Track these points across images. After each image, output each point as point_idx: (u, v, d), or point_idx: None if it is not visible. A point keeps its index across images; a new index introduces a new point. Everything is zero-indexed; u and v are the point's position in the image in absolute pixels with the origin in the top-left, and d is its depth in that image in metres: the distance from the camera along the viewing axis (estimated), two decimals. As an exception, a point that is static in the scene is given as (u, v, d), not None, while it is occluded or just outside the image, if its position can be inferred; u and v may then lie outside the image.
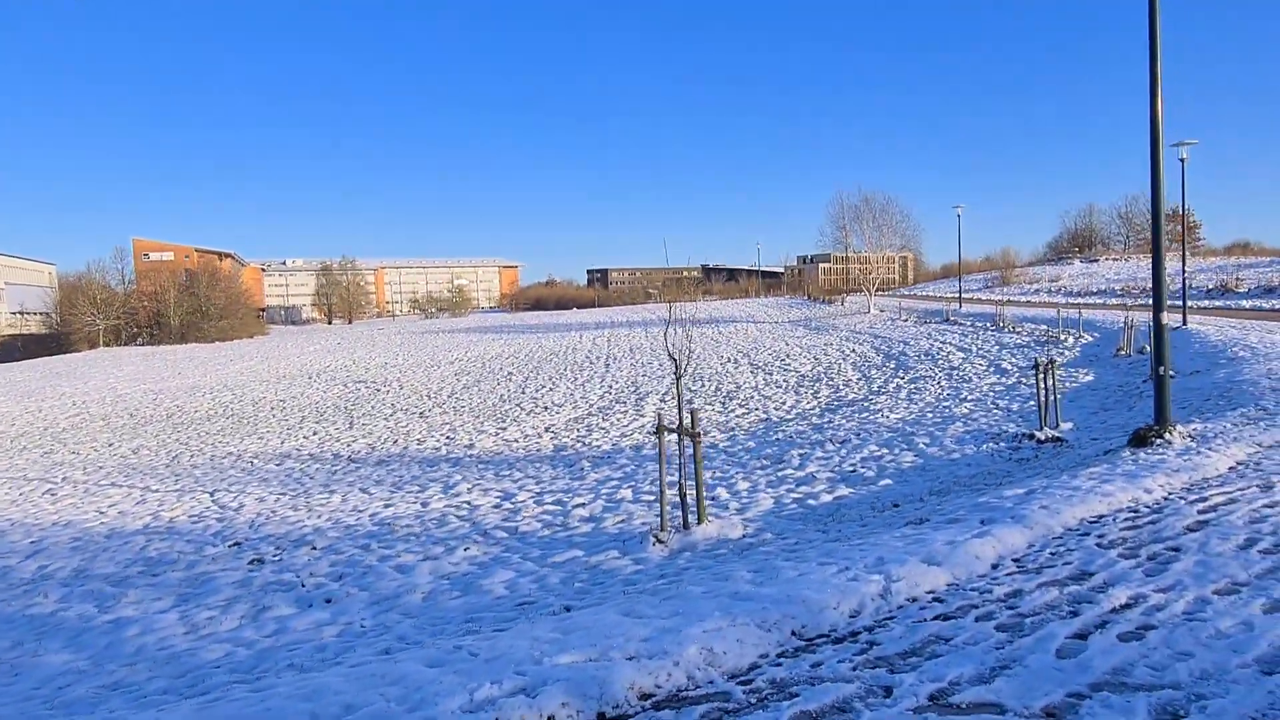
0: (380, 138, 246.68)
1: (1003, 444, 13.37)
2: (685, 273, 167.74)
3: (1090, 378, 22.55)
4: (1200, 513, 6.33)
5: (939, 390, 23.67)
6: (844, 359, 36.18)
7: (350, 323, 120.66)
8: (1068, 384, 21.79)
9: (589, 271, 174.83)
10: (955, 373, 27.60)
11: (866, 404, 23.27)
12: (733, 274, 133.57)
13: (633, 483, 13.47)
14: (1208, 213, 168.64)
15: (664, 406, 26.45)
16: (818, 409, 23.63)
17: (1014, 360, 28.73)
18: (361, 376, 45.74)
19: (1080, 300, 50.79)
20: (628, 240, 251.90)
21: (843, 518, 8.54)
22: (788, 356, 39.00)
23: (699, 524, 8.11)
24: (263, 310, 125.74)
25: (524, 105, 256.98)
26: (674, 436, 8.45)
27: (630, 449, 18.83)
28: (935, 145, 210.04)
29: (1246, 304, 37.28)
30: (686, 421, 8.34)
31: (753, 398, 27.24)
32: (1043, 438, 13.13)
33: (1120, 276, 65.64)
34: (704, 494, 8.26)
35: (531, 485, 14.54)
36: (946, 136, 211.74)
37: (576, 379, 37.37)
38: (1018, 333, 36.29)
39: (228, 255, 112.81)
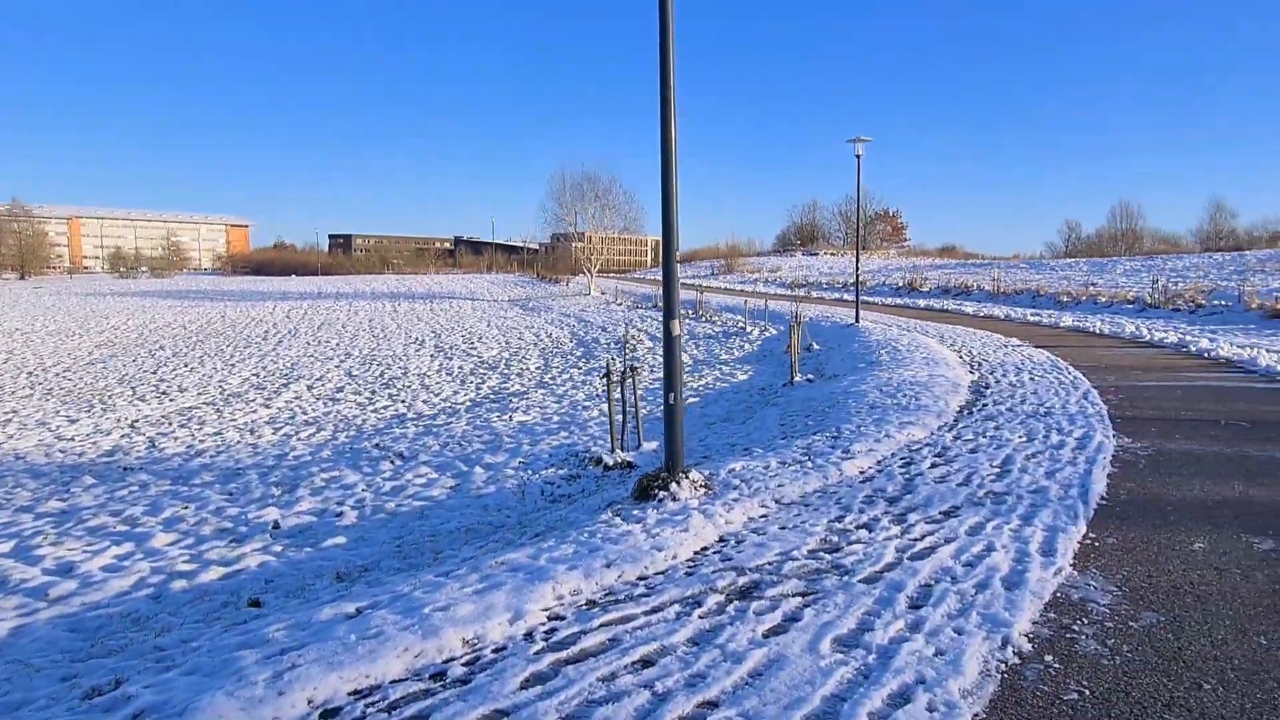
0: (80, 62, 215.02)
1: (563, 471, 10.83)
2: (437, 243, 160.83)
3: (746, 376, 21.16)
4: (520, 688, 3.64)
5: (589, 390, 21.35)
6: (536, 344, 33.69)
7: (24, 278, 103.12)
8: (719, 384, 20.22)
9: (331, 236, 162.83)
10: (633, 364, 25.61)
11: (520, 398, 20.57)
12: (478, 247, 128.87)
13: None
14: (923, 215, 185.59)
15: (306, 397, 22.45)
16: (467, 403, 20.64)
17: (695, 353, 27.36)
18: (-34, 346, 37.22)
19: (772, 291, 51.75)
20: (384, 205, 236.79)
21: (125, 628, 5.35)
22: (480, 339, 35.92)
23: None
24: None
25: (270, 59, 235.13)
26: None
27: (181, 457, 14.66)
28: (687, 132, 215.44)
29: (923, 303, 38.81)
30: None
31: (411, 386, 23.85)
32: (611, 463, 10.70)
33: (833, 270, 68.65)
34: None
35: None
36: (707, 122, 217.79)
37: (232, 358, 32.10)
38: (713, 322, 35.49)
39: None
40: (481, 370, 27.02)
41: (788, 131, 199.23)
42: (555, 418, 16.91)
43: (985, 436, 9.42)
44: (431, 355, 31.59)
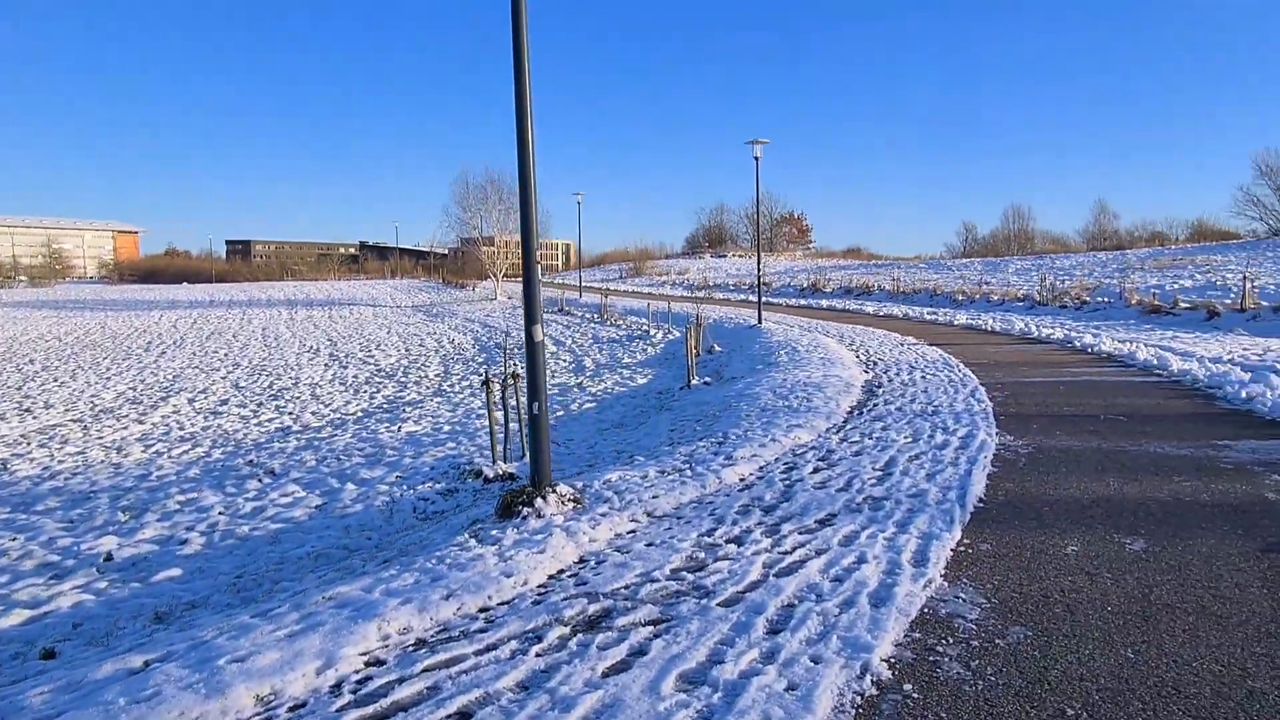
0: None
1: (441, 485, 10.24)
2: (342, 249, 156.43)
3: (646, 380, 20.82)
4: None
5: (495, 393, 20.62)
6: (437, 350, 32.76)
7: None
8: (618, 389, 19.82)
9: (229, 242, 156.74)
10: (516, 371, 25.00)
11: (414, 407, 19.79)
12: (384, 253, 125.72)
13: None
14: (831, 218, 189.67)
15: (185, 411, 21.14)
16: (358, 413, 19.72)
17: (597, 357, 26.94)
18: None
19: (678, 294, 51.82)
20: (287, 211, 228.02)
21: None
22: (379, 346, 34.73)
23: None
24: None
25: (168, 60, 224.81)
26: None
27: (31, 480, 13.43)
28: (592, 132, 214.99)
29: (826, 303, 39.32)
30: None
31: (301, 397, 22.71)
32: (492, 475, 10.16)
33: (740, 272, 69.24)
34: None
35: None
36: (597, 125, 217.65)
37: (109, 371, 30.14)
38: (617, 326, 35.16)
39: None
40: (378, 379, 26.05)
41: (698, 135, 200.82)
42: (446, 427, 16.26)
43: (871, 438, 9.25)
44: (326, 364, 30.34)
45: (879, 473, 7.56)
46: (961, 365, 15.69)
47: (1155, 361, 14.70)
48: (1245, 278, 23.38)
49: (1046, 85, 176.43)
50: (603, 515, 6.35)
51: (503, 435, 11.30)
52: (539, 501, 6.50)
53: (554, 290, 57.28)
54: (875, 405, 11.58)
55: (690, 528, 6.07)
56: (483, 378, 10.86)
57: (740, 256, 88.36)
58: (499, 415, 11.16)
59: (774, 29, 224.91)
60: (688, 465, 8.15)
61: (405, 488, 10.31)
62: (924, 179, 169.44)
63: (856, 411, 11.24)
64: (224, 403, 22.38)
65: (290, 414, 20.03)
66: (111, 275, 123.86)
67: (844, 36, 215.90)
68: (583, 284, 53.41)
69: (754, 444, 8.92)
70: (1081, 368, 15.10)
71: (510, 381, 11.12)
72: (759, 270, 27.91)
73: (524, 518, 6.40)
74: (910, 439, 9.07)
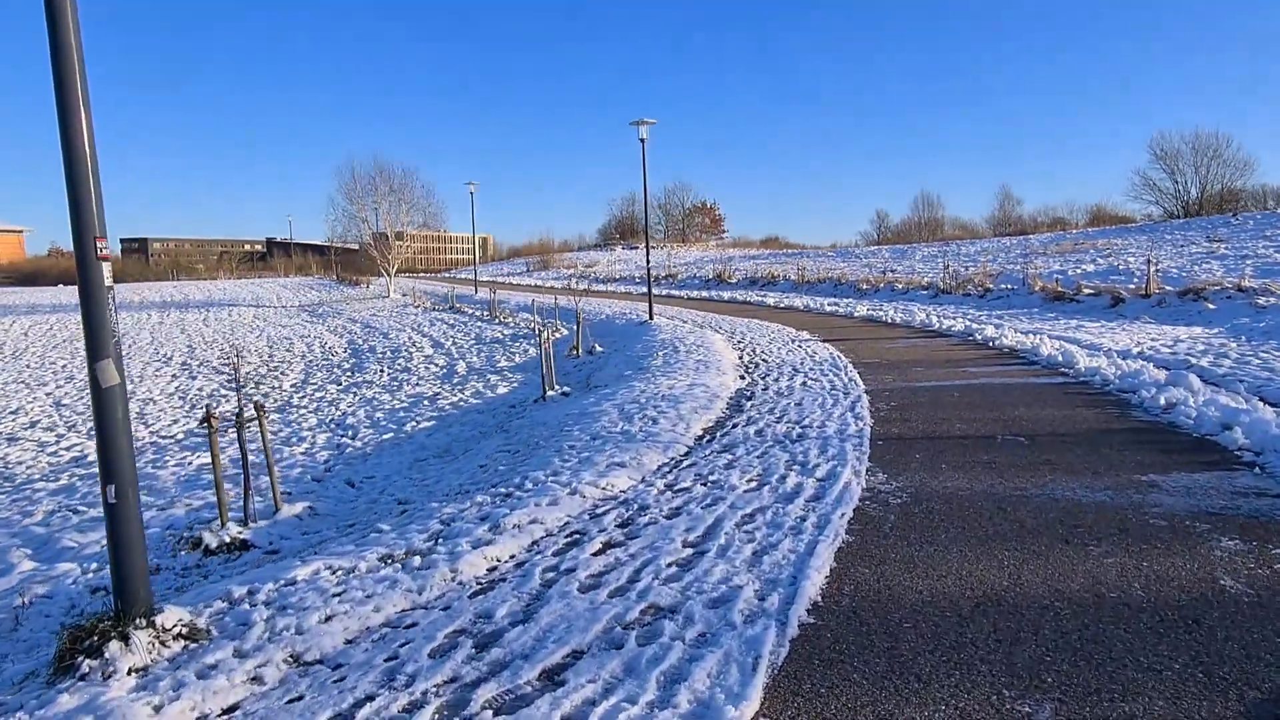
0: None
1: (175, 552, 7.67)
2: (248, 246, 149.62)
3: (508, 389, 18.36)
4: None
5: (331, 411, 17.92)
6: (304, 355, 29.69)
7: None
8: (472, 400, 17.33)
9: (123, 241, 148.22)
10: (396, 379, 22.30)
11: (245, 427, 16.83)
12: (287, 248, 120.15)
13: None
14: (752, 208, 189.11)
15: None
16: (179, 435, 16.78)
17: (473, 360, 24.37)
18: None
19: (581, 288, 49.44)
20: (193, 206, 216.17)
21: None
22: (244, 353, 31.37)
23: None
24: None
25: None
26: None
27: None
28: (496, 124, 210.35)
29: (728, 295, 37.47)
30: None
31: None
32: (215, 544, 7.65)
33: (652, 264, 67.07)
34: None
35: None
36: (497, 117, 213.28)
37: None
38: (506, 324, 32.65)
39: None
40: (225, 391, 22.96)
41: (611, 125, 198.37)
42: (249, 456, 13.51)
43: (706, 483, 7.02)
44: (174, 375, 27.02)
45: (688, 551, 5.31)
46: (850, 367, 13.72)
47: (1060, 358, 12.94)
48: (1149, 261, 22.12)
49: (952, 74, 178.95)
50: (212, 668, 3.92)
51: (266, 482, 8.81)
52: (112, 646, 4.03)
53: (445, 285, 54.18)
54: (734, 427, 9.41)
55: (334, 695, 3.68)
56: (240, 409, 8.24)
57: (654, 248, 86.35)
58: (249, 457, 8.60)
59: (696, 16, 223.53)
60: (432, 542, 5.77)
61: (95, 565, 7.67)
62: (841, 168, 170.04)
63: (708, 437, 9.04)
64: (32, 425, 19.12)
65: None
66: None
67: (771, 27, 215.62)
68: (478, 279, 50.42)
69: (544, 499, 6.59)
70: (981, 366, 13.25)
71: (256, 416, 8.56)
72: (648, 261, 25.77)
73: (83, 677, 3.92)
74: (755, 483, 6.87)
